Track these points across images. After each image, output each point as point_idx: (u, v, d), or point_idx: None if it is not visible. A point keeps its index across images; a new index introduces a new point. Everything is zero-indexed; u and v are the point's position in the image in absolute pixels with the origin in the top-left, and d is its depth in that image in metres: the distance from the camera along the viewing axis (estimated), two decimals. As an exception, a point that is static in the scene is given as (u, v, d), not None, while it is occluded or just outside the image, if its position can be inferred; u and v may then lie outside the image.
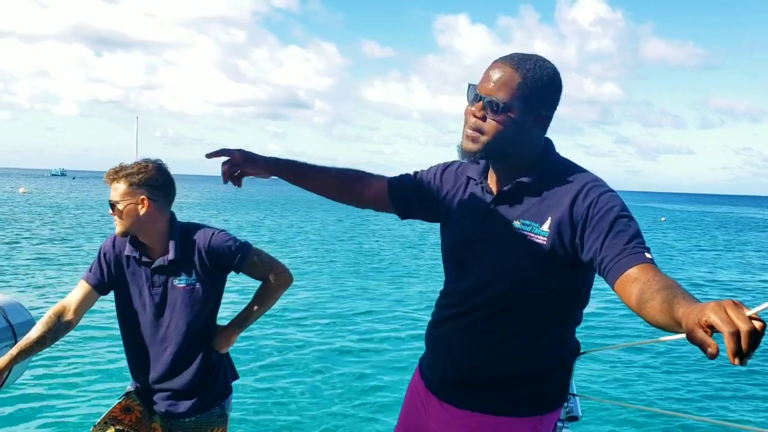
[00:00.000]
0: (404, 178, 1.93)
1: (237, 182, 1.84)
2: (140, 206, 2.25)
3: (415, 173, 1.92)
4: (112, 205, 2.28)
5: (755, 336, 0.97)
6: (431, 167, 1.90)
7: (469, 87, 1.62)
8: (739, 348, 0.96)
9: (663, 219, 51.05)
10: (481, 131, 1.58)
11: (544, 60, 1.60)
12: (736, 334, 0.96)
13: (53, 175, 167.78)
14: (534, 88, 1.56)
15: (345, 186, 1.94)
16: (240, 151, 1.83)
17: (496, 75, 1.57)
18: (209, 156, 1.83)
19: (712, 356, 1.00)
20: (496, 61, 1.61)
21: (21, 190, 63.03)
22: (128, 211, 2.26)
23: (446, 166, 1.87)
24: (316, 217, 39.65)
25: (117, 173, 2.27)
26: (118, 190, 2.26)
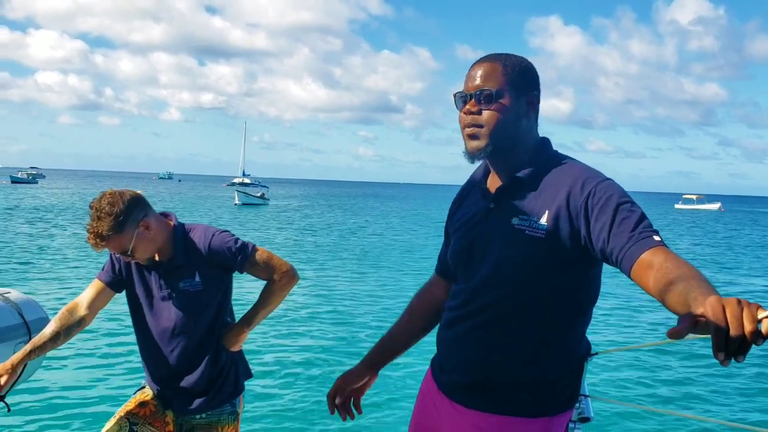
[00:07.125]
0: (442, 257, 1.93)
1: (357, 412, 2.01)
2: (144, 232, 2.24)
3: (445, 235, 1.91)
4: (129, 255, 2.26)
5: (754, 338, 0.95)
6: (448, 213, 1.90)
7: (454, 96, 1.67)
8: (732, 347, 0.95)
9: None
10: (479, 125, 1.61)
11: (512, 53, 1.69)
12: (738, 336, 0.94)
13: (161, 178, 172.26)
14: (516, 71, 1.63)
15: (422, 315, 1.97)
16: (338, 385, 2.02)
17: (478, 72, 1.63)
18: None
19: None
20: (472, 65, 1.67)
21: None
22: (141, 246, 2.25)
23: (455, 199, 1.88)
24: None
25: (101, 239, 2.19)
26: (119, 241, 2.22)
